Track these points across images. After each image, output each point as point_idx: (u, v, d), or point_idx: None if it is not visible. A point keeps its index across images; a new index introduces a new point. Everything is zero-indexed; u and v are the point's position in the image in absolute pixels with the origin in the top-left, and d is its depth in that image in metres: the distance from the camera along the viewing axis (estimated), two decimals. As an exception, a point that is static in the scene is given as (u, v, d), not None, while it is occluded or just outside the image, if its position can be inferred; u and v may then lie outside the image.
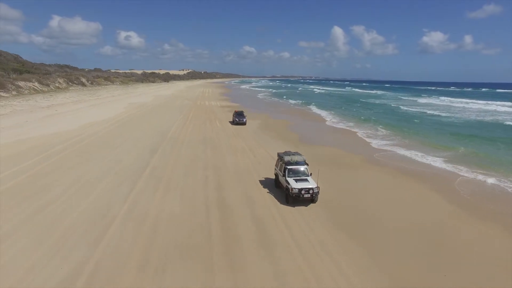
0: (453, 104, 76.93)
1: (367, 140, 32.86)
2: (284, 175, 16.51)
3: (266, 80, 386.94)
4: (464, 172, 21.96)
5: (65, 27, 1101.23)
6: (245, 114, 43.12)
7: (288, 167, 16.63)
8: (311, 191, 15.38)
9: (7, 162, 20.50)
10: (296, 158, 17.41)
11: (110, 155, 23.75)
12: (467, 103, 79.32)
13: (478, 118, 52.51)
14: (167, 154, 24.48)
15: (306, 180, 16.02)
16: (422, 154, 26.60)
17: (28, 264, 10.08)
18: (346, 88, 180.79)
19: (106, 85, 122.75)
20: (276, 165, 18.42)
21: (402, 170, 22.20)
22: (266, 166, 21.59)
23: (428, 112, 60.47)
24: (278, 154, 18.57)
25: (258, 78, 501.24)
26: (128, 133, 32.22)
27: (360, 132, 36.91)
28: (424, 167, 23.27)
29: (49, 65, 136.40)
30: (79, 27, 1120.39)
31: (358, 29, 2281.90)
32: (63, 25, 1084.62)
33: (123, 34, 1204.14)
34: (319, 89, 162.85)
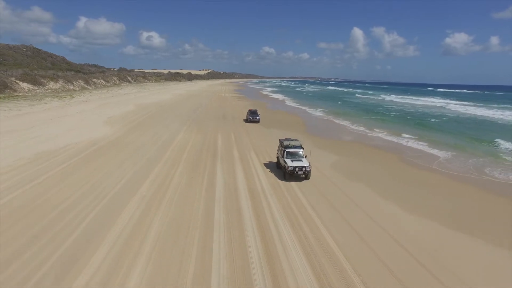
0: (394, 99, 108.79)
1: (302, 108, 68.16)
2: (283, 157, 20.92)
3: (277, 81, 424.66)
4: (330, 118, 56.74)
5: (91, 28, 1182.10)
6: (258, 112, 46.96)
7: (287, 150, 21.17)
8: (303, 169, 19.84)
9: (156, 106, 57.13)
10: (293, 143, 21.97)
11: (180, 108, 60.02)
12: (412, 99, 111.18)
13: (388, 106, 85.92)
14: (204, 109, 60.58)
15: (300, 160, 20.51)
16: (320, 113, 61.74)
17: (178, 112, 46.34)
18: (329, 87, 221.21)
19: (145, 82, 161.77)
20: (278, 150, 22.76)
21: (302, 116, 57.33)
22: (238, 104, 57.02)
23: (362, 101, 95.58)
24: (280, 140, 23.07)
25: (276, 79, 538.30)
26: (182, 104, 68.61)
27: (302, 108, 72.08)
28: (311, 115, 58.37)
29: (90, 65, 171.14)
30: (104, 27, 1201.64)
31: (378, 30, 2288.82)
32: (89, 26, 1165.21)
33: (145, 34, 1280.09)
34: (303, 87, 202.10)
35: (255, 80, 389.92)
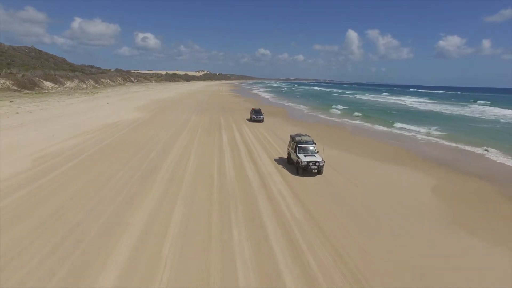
0: (363, 97, 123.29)
1: (283, 101, 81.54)
2: (295, 152, 21.50)
3: (270, 82, 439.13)
4: (301, 108, 69.98)
5: (86, 29, 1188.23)
6: (262, 111, 45.90)
7: (299, 145, 21.79)
8: (317, 164, 20.29)
9: (166, 101, 69.80)
10: (305, 138, 22.62)
11: (186, 102, 72.75)
12: (384, 97, 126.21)
13: (355, 102, 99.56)
14: (206, 103, 73.38)
15: (313, 155, 21.00)
16: (298, 106, 74.93)
17: (186, 104, 59.15)
18: (316, 88, 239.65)
19: (147, 83, 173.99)
20: (289, 145, 23.67)
21: (283, 108, 70.50)
22: (241, 107, 69.90)
23: (335, 99, 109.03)
24: (291, 136, 23.98)
25: (270, 80, 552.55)
26: (187, 100, 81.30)
27: (285, 102, 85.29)
28: (291, 107, 71.62)
29: (87, 66, 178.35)
30: (99, 28, 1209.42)
31: (373, 32, 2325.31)
32: (83, 27, 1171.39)
33: (140, 35, 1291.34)
34: (289, 88, 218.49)
35: (249, 82, 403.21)
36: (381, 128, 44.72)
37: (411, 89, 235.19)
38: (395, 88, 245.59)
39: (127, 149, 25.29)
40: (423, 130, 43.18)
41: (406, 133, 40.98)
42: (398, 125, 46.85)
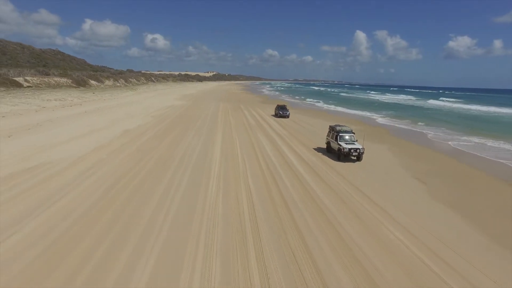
0: (344, 94, 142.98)
1: (281, 95, 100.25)
2: (336, 141, 23.86)
3: (277, 83, 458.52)
4: (298, 101, 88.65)
5: (96, 30, 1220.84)
6: (287, 107, 49.55)
7: (340, 134, 24.09)
8: (358, 151, 22.51)
9: (192, 96, 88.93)
10: (345, 128, 25.06)
11: (210, 96, 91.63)
12: (367, 94, 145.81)
13: (351, 97, 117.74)
14: (225, 98, 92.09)
15: (353, 143, 23.39)
16: (293, 99, 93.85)
17: (211, 98, 78.11)
18: (313, 87, 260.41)
19: (166, 82, 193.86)
20: (328, 135, 26.10)
21: (285, 100, 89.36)
22: (254, 100, 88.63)
23: (325, 95, 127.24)
24: (330, 126, 26.56)
25: (279, 81, 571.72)
26: (209, 95, 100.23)
27: (282, 96, 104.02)
28: (290, 101, 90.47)
29: (100, 67, 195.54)
30: (109, 30, 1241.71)
31: (381, 33, 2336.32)
32: (94, 28, 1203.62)
33: (149, 36, 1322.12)
34: (289, 87, 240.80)
35: (257, 82, 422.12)
36: (342, 110, 64.14)
37: (406, 89, 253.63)
38: (391, 88, 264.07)
39: (191, 117, 44.26)
40: (370, 113, 62.34)
41: (357, 114, 60.20)
42: (352, 110, 66.32)
